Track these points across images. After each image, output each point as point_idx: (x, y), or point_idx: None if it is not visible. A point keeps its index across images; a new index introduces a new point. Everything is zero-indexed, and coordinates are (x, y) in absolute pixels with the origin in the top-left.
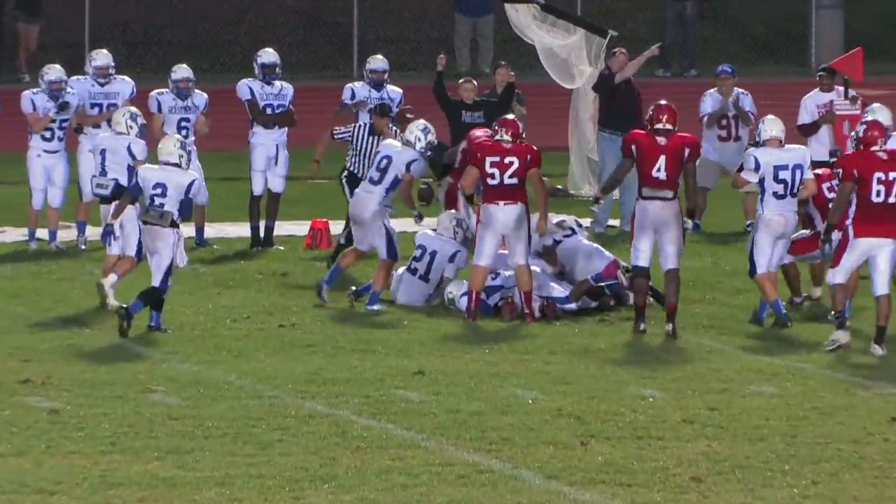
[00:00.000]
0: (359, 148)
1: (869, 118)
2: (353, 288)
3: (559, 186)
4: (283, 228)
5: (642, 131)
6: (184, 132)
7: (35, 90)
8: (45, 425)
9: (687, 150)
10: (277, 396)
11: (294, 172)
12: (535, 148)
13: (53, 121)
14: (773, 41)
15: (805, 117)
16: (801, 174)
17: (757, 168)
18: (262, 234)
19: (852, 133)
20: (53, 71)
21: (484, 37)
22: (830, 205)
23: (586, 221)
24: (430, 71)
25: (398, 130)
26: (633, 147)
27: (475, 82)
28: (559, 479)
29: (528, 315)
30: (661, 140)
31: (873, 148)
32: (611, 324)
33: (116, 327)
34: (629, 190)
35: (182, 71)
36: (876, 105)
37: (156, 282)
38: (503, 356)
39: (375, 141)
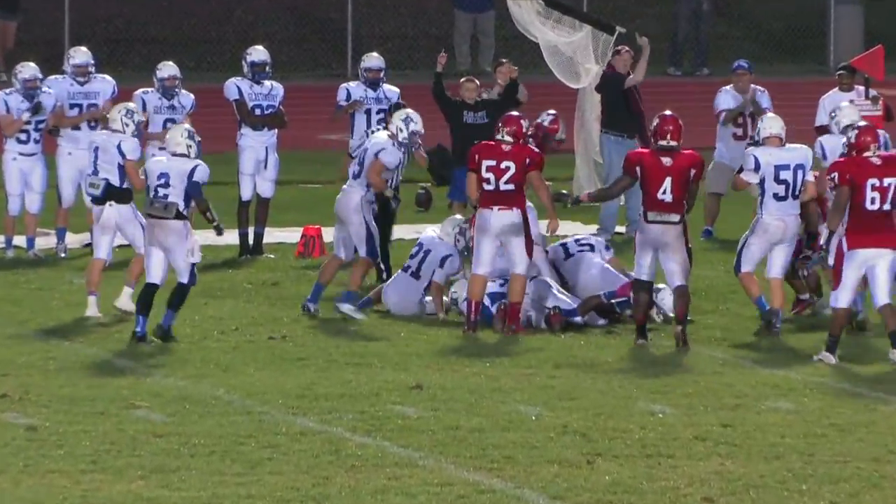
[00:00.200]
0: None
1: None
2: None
3: (564, 191)
4: (273, 236)
5: (647, 150)
6: None
7: (8, 90)
8: (22, 443)
9: (693, 172)
10: (267, 412)
11: (284, 176)
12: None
13: (28, 123)
14: (790, 38)
15: (823, 118)
16: (804, 175)
17: (757, 168)
18: (251, 241)
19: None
20: (28, 69)
21: (485, 34)
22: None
23: (592, 228)
24: (429, 69)
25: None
26: (638, 168)
27: (477, 81)
28: (564, 499)
29: (511, 327)
30: (667, 161)
31: (866, 154)
32: (618, 336)
33: (111, 340)
34: (636, 195)
35: (168, 69)
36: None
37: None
38: (505, 370)
39: None
